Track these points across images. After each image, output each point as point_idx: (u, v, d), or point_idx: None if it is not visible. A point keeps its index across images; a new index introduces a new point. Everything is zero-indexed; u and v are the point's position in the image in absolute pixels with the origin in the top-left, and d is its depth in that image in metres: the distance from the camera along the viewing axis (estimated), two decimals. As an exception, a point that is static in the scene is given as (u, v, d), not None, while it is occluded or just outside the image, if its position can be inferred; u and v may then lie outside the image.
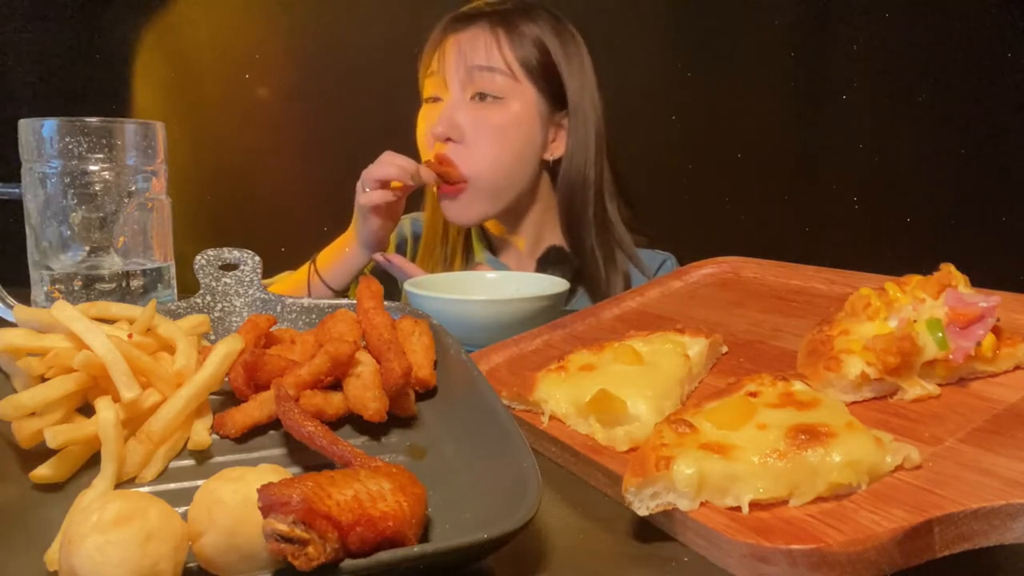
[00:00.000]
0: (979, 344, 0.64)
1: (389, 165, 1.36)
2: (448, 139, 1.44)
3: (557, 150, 1.51)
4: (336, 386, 0.68)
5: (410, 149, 1.53)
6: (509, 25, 1.44)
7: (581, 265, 1.51)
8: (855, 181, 2.23)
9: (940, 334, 0.64)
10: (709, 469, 0.52)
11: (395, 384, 0.65)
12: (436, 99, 1.49)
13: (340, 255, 1.44)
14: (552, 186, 1.56)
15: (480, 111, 1.44)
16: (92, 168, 0.90)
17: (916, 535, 0.47)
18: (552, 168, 1.54)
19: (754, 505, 0.52)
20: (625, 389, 0.65)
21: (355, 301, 0.79)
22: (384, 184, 1.36)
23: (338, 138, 2.35)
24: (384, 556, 0.44)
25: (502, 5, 1.49)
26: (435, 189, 1.49)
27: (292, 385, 0.64)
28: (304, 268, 1.47)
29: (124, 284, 0.93)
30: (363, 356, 0.68)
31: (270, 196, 2.43)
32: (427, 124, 1.49)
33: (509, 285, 1.17)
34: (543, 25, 1.47)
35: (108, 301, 0.75)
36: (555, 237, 1.57)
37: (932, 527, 0.47)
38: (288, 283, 1.47)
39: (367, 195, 1.36)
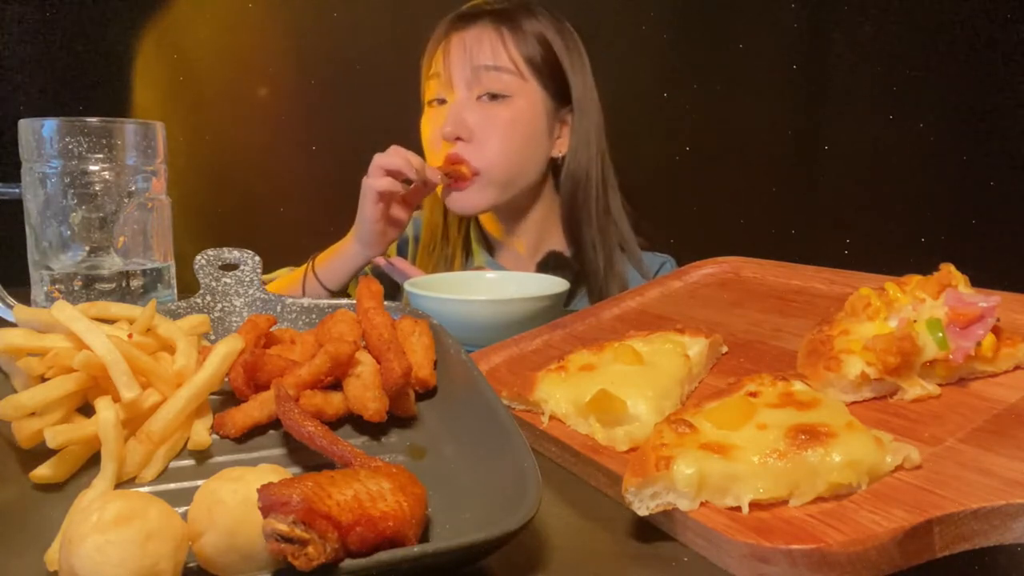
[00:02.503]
0: (979, 344, 0.64)
1: (395, 156, 1.36)
2: (457, 138, 1.44)
3: (562, 147, 1.52)
4: (336, 386, 0.68)
5: (411, 148, 1.53)
6: (512, 23, 1.45)
7: (581, 267, 1.51)
8: (856, 181, 2.23)
9: (940, 334, 0.64)
10: (709, 469, 0.52)
11: (395, 384, 0.65)
12: (441, 101, 1.49)
13: (337, 254, 1.43)
14: (554, 187, 1.57)
15: (488, 110, 1.44)
16: (92, 168, 0.90)
17: (916, 535, 0.47)
18: (555, 168, 1.55)
19: (754, 505, 0.52)
20: (625, 389, 0.65)
21: (355, 301, 0.79)
22: (390, 174, 1.35)
23: (338, 138, 2.35)
24: (384, 556, 0.44)
25: (501, 3, 1.49)
26: (440, 189, 1.50)
27: (292, 385, 0.64)
28: (300, 269, 1.46)
29: (124, 284, 0.93)
30: (363, 356, 0.68)
31: (270, 196, 2.43)
32: (433, 126, 1.49)
33: (509, 285, 1.17)
34: (544, 22, 1.47)
35: (108, 301, 0.75)
36: (555, 242, 1.57)
37: (932, 527, 0.47)
38: (285, 281, 1.46)
39: (375, 180, 1.35)
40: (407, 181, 1.37)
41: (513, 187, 1.49)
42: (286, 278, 1.47)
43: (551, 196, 1.57)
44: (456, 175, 1.43)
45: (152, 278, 0.96)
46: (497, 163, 1.45)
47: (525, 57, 1.44)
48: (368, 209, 1.36)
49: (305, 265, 1.46)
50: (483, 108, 1.44)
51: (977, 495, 0.49)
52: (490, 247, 1.62)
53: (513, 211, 1.55)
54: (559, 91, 1.49)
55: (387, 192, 1.35)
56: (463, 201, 1.48)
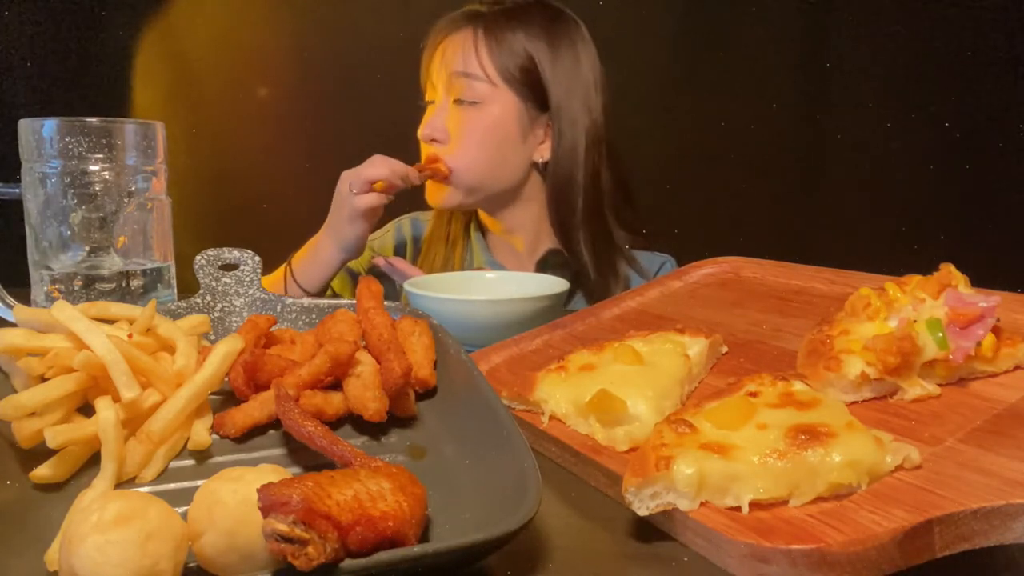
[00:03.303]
0: (979, 344, 0.64)
1: (381, 166, 1.37)
2: (433, 140, 1.47)
3: (545, 152, 1.52)
4: (336, 386, 0.68)
5: (409, 149, 1.53)
6: (493, 31, 1.45)
7: (579, 268, 1.51)
8: (856, 181, 2.23)
9: (940, 334, 0.64)
10: (709, 469, 0.52)
11: (395, 384, 0.65)
12: (431, 103, 1.51)
13: (314, 257, 1.43)
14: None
15: (460, 114, 1.46)
16: (92, 168, 0.90)
17: (916, 535, 0.47)
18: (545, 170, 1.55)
19: (754, 505, 0.52)
20: (625, 389, 0.65)
21: (355, 301, 0.79)
22: (373, 187, 1.36)
23: (338, 138, 2.35)
24: (384, 556, 0.44)
25: (494, 7, 1.48)
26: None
27: (292, 385, 0.64)
28: (280, 270, 1.46)
29: (124, 284, 0.93)
30: (363, 356, 0.68)
31: (270, 196, 2.43)
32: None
33: (509, 285, 1.17)
34: (532, 29, 1.46)
35: (108, 301, 0.75)
36: (554, 240, 1.57)
37: (932, 527, 0.47)
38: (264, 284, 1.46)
39: (362, 197, 1.36)
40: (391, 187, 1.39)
41: (485, 190, 1.50)
42: (265, 281, 1.47)
43: (545, 196, 1.57)
44: (435, 173, 1.46)
45: (152, 278, 0.96)
46: (467, 167, 1.47)
47: (498, 67, 1.44)
48: (357, 226, 1.38)
49: (283, 267, 1.45)
50: (458, 112, 1.46)
51: (977, 495, 0.49)
52: (490, 245, 1.62)
53: (501, 210, 1.56)
54: (540, 98, 1.48)
55: (374, 208, 1.37)
56: (435, 194, 1.50)
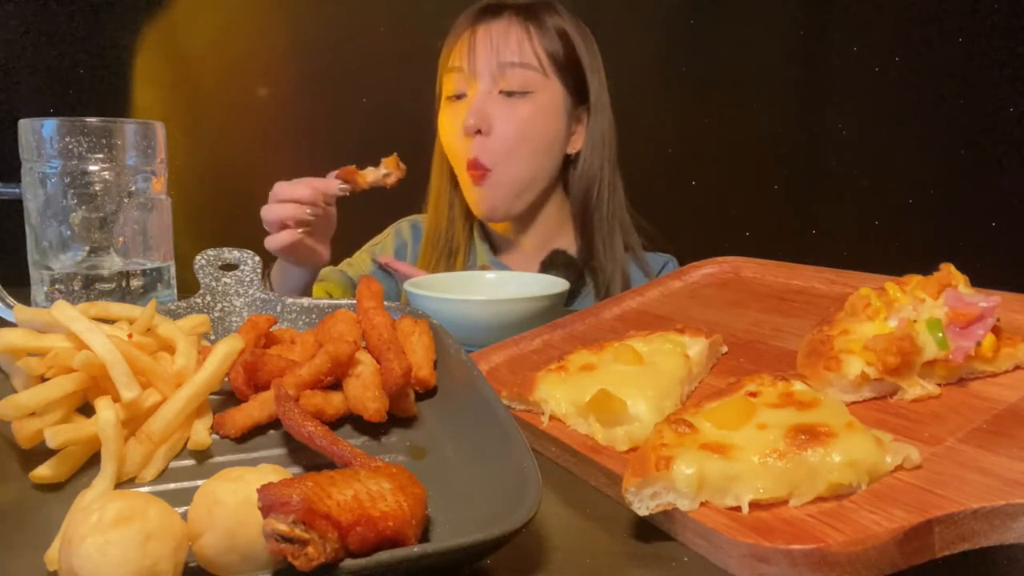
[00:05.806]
0: (979, 344, 0.64)
1: (282, 206, 1.19)
2: (478, 131, 1.44)
3: (577, 144, 1.53)
4: (336, 386, 0.68)
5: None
6: (537, 19, 1.46)
7: (588, 266, 1.51)
8: (856, 180, 2.24)
9: (940, 334, 0.64)
10: (709, 469, 0.52)
11: (395, 384, 0.65)
12: (461, 96, 1.48)
13: (280, 269, 1.34)
14: (563, 185, 1.57)
15: (510, 105, 1.44)
16: (92, 168, 0.90)
17: (916, 535, 0.47)
18: (565, 165, 1.55)
19: (754, 505, 0.52)
20: (625, 389, 0.65)
21: (355, 301, 0.79)
22: (284, 224, 1.20)
23: (338, 138, 2.35)
24: (384, 556, 0.44)
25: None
26: (469, 193, 1.49)
27: (292, 385, 0.64)
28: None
29: (124, 284, 0.93)
30: (363, 356, 0.68)
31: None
32: (454, 122, 1.48)
33: (509, 285, 1.17)
34: (565, 19, 1.48)
35: (108, 301, 0.75)
36: (561, 240, 1.57)
37: (932, 527, 0.47)
38: None
39: (272, 239, 1.21)
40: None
41: (528, 191, 1.49)
42: None
43: (561, 195, 1.58)
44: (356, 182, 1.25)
45: (152, 278, 0.96)
46: (508, 159, 1.44)
47: (549, 54, 1.45)
48: (287, 260, 1.27)
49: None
50: (505, 103, 1.44)
51: (977, 495, 0.49)
52: (493, 244, 1.61)
53: (526, 214, 1.55)
54: (577, 89, 1.50)
55: (295, 244, 1.22)
56: (484, 201, 1.47)
